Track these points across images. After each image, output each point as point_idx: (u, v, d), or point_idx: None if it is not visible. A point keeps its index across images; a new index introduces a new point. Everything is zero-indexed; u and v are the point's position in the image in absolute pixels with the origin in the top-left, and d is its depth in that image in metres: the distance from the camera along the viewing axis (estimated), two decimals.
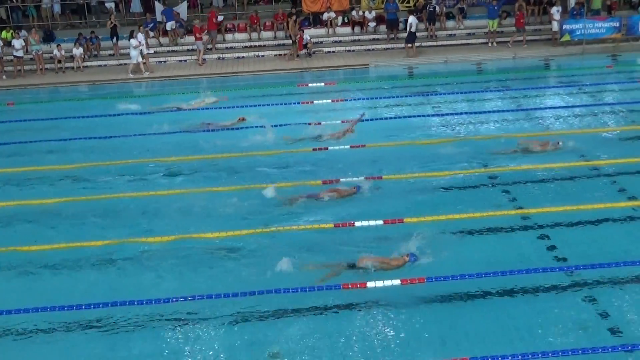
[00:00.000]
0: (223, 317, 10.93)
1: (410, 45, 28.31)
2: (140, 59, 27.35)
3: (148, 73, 27.56)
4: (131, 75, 27.37)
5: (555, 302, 11.07)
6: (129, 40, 27.74)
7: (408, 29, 28.26)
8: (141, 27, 28.47)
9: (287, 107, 22.00)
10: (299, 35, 28.90)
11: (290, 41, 29.17)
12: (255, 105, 21.89)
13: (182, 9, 30.82)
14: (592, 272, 11.65)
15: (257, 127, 19.50)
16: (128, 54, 28.63)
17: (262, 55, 29.72)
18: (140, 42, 27.29)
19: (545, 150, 16.97)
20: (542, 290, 11.35)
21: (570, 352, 9.62)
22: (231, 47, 30.32)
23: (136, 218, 14.60)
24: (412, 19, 28.10)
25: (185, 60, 29.33)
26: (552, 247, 12.67)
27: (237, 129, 19.84)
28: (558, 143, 17.05)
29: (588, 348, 9.70)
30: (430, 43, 30.04)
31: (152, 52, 29.10)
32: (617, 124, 19.46)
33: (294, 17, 29.22)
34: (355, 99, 22.94)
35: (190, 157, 17.85)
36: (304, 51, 28.95)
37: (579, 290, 11.33)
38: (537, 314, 10.72)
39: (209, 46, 29.84)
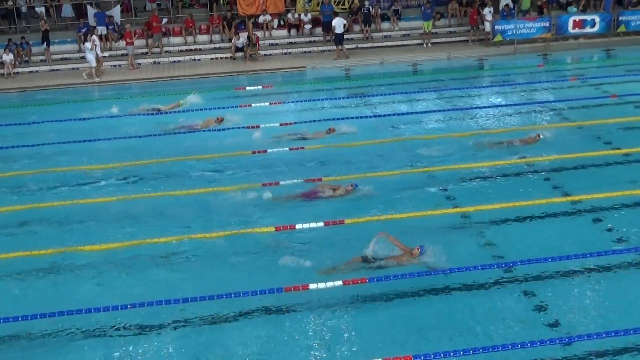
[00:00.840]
0: (163, 324, 10.84)
1: (340, 47, 28.48)
2: (94, 63, 26.96)
3: (98, 79, 27.14)
4: (87, 79, 26.88)
5: (495, 298, 11.28)
6: (83, 44, 27.39)
7: (333, 30, 28.48)
8: (95, 29, 28.06)
9: (225, 111, 21.79)
10: (256, 36, 29.12)
11: (228, 44, 29.14)
12: (196, 110, 21.73)
13: (116, 13, 30.34)
14: (530, 267, 11.91)
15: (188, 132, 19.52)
16: (60, 59, 28.11)
17: (198, 59, 29.46)
18: (95, 44, 26.88)
19: (527, 143, 17.55)
20: (481, 287, 11.55)
21: (510, 347, 9.79)
22: (167, 51, 29.96)
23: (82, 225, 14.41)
24: (336, 21, 28.32)
25: (119, 65, 28.88)
26: (490, 244, 12.91)
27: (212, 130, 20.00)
28: (538, 136, 17.71)
29: (527, 342, 9.90)
30: (366, 45, 30.27)
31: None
32: (550, 122, 19.90)
33: (252, 20, 29.68)
34: (293, 102, 22.93)
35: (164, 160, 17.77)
36: (240, 54, 28.88)
37: (517, 285, 11.57)
38: (477, 310, 10.91)
39: (145, 50, 29.49)
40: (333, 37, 28.80)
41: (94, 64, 26.80)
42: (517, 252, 12.45)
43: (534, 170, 16.20)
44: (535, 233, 13.34)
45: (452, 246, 12.72)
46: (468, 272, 11.73)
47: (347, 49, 28.89)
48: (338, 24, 28.27)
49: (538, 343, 9.84)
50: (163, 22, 29.63)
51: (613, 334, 9.98)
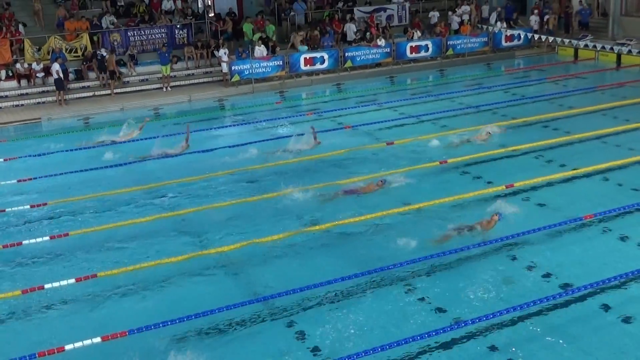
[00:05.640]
0: None
1: (59, 92, 27.73)
2: None
3: None
4: None
5: (256, 335, 11.49)
6: None
7: (54, 76, 27.64)
8: None
9: None
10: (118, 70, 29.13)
11: None
12: None
13: None
14: (288, 299, 12.26)
15: None
16: None
17: None
18: None
19: (484, 140, 20.53)
20: (240, 325, 11.70)
21: None
22: None
23: None
24: (54, 66, 27.54)
25: None
26: (251, 283, 13.14)
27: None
28: (489, 133, 20.81)
29: None
30: (104, 92, 29.51)
31: None
32: (293, 156, 20.40)
33: (114, 54, 29.10)
34: (31, 156, 21.60)
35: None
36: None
37: (277, 319, 11.86)
38: (237, 351, 11.07)
39: None
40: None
41: None
42: (271, 287, 12.76)
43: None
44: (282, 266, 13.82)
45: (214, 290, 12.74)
46: (229, 311, 11.81)
47: (85, 97, 28.09)
48: (54, 69, 27.44)
49: None
50: None
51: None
